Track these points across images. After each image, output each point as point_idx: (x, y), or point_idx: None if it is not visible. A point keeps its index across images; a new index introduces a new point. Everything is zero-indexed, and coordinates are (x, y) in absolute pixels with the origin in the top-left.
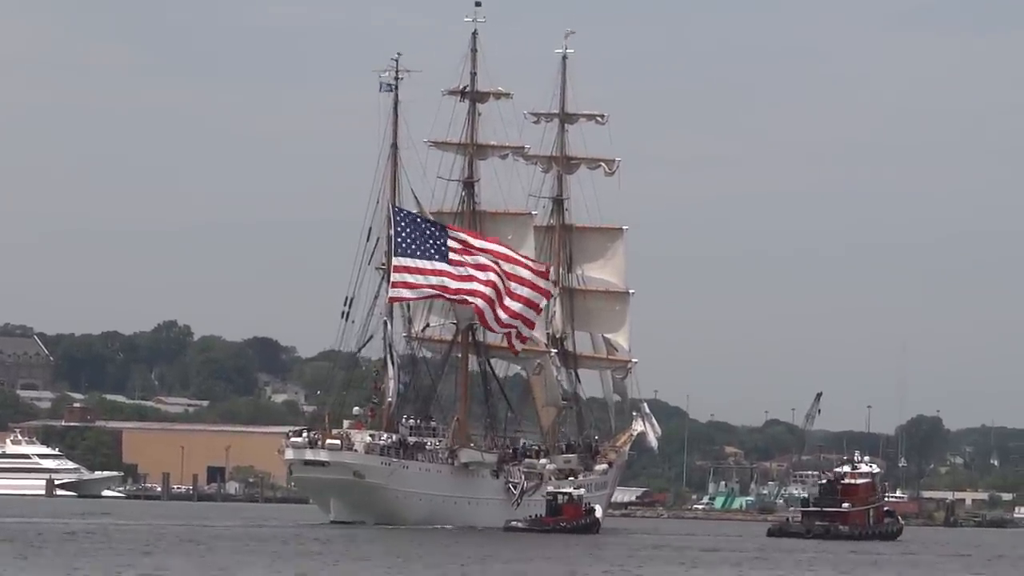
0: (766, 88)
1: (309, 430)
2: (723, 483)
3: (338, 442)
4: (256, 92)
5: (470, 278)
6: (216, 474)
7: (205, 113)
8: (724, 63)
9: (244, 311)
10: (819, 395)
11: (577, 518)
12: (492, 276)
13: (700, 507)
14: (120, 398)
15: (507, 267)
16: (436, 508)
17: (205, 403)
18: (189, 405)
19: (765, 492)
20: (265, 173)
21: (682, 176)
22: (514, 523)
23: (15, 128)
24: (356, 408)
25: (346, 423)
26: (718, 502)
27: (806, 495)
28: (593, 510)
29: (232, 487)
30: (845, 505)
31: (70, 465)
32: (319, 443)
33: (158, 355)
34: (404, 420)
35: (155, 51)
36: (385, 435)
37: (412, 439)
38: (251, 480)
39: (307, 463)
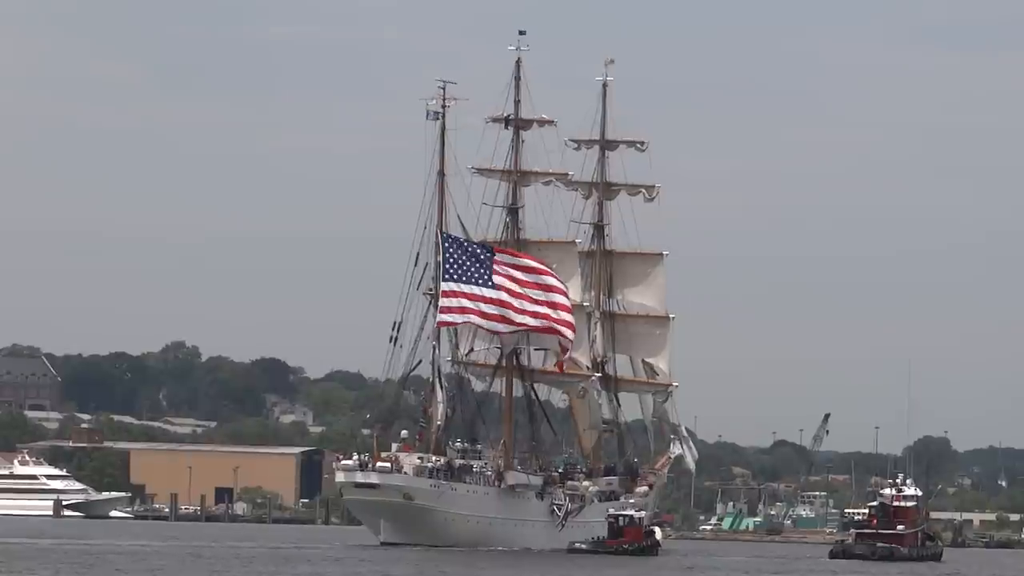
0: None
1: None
2: (731, 504)
3: (388, 465)
4: (262, 110)
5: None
6: (224, 495)
7: (214, 131)
8: (760, 84)
9: (252, 332)
10: (827, 416)
11: (638, 540)
12: (545, 309)
13: (708, 528)
14: (128, 419)
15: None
16: (483, 530)
17: (213, 424)
18: (197, 426)
19: (773, 513)
20: (271, 192)
21: (711, 200)
22: (578, 545)
23: (22, 144)
24: (404, 431)
25: (395, 446)
26: (726, 523)
27: (859, 517)
28: (653, 532)
29: (240, 508)
30: (900, 527)
31: (77, 486)
32: (369, 466)
33: (166, 376)
34: (451, 443)
35: (174, 65)
36: (433, 458)
37: (459, 462)
38: (259, 501)
39: (358, 485)
